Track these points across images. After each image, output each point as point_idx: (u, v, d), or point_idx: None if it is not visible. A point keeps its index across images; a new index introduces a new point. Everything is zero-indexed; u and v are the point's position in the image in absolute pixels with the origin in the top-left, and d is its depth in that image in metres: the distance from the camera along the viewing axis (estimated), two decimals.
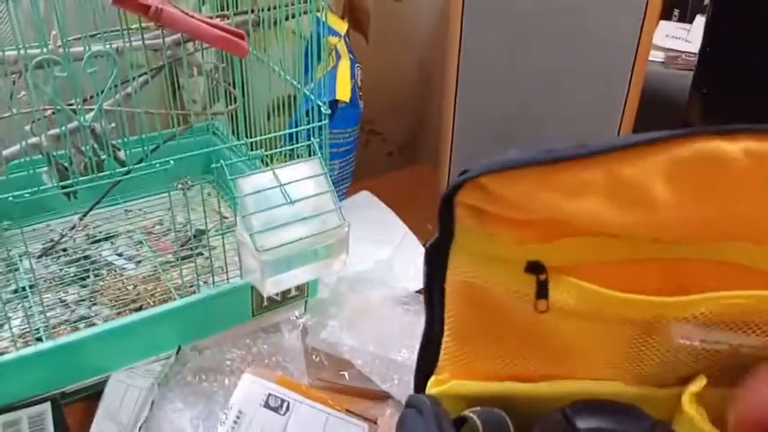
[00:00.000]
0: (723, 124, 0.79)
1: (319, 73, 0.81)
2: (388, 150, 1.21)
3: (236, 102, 0.73)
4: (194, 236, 0.82)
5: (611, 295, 0.42)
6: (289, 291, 0.71)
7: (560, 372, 0.45)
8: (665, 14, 1.19)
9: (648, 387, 0.45)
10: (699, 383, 0.44)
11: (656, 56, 0.99)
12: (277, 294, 0.70)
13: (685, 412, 0.43)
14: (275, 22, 0.69)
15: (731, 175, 0.37)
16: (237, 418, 0.56)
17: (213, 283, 0.68)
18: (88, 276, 0.77)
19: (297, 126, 0.69)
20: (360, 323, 0.71)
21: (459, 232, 0.42)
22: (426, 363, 0.46)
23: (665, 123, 0.84)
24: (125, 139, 0.64)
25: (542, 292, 0.42)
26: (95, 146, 0.63)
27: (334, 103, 0.79)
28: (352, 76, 0.81)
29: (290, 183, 0.61)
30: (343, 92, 0.76)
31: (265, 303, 0.70)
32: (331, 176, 0.88)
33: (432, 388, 0.45)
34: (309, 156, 0.66)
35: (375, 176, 1.08)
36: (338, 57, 0.81)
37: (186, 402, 0.62)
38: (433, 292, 0.45)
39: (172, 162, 0.59)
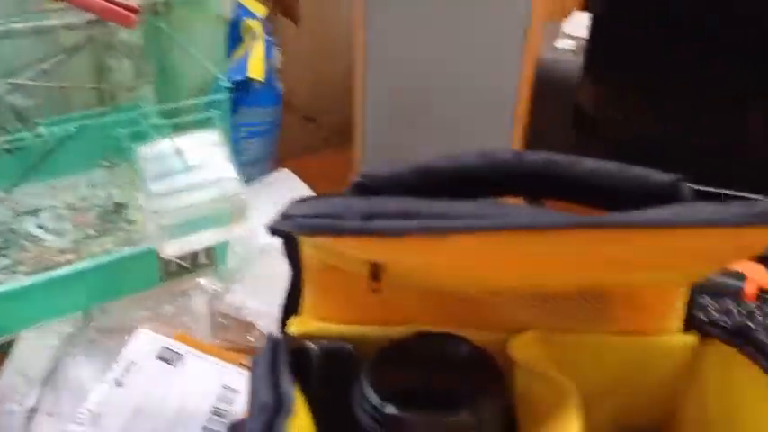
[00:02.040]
0: (610, 106, 0.84)
1: (238, 53, 0.85)
2: (323, 136, 1.25)
3: (151, 79, 0.77)
4: (114, 210, 0.85)
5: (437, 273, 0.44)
6: (197, 258, 0.75)
7: (402, 319, 0.49)
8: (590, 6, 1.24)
9: (485, 331, 0.49)
10: (529, 333, 0.49)
11: (568, 44, 1.04)
12: (185, 260, 0.74)
13: (512, 357, 0.48)
14: (188, 4, 0.74)
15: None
16: (128, 366, 0.59)
17: None
18: (10, 247, 0.80)
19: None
20: (264, 289, 0.75)
21: (302, 242, 0.45)
22: (289, 310, 0.50)
23: (565, 105, 0.90)
24: (49, 118, 0.68)
25: (375, 276, 0.45)
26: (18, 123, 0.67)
27: (247, 83, 0.83)
28: (269, 56, 0.85)
29: (189, 151, 0.65)
30: (256, 71, 0.80)
31: (174, 269, 0.74)
32: (250, 154, 0.93)
33: (291, 327, 0.49)
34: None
35: (309, 159, 1.13)
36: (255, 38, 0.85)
37: (89, 357, 0.66)
38: (292, 257, 0.48)
39: (74, 127, 0.63)
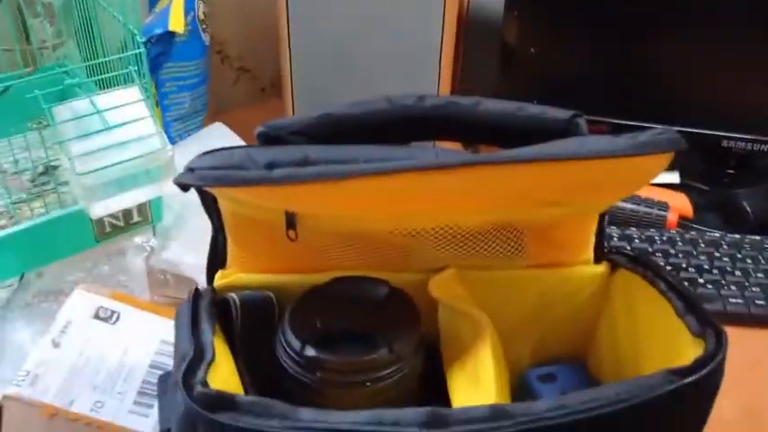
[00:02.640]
0: (533, 43, 0.84)
1: (160, 5, 0.84)
2: (260, 87, 1.24)
3: (73, 37, 0.75)
4: (46, 172, 0.85)
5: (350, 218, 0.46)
6: (131, 216, 0.75)
7: (325, 266, 0.50)
8: None
9: (406, 273, 0.51)
10: (447, 272, 0.51)
11: None
12: (118, 219, 0.74)
13: (433, 296, 0.50)
14: None
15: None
16: (64, 327, 0.60)
17: None
18: None
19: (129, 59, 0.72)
20: (202, 243, 0.75)
21: (219, 195, 0.46)
22: (215, 264, 0.51)
23: (492, 45, 0.91)
24: None
25: (291, 224, 0.46)
26: None
27: (170, 36, 0.82)
28: (191, 8, 0.84)
29: (108, 109, 0.64)
30: (176, 23, 0.79)
31: (108, 229, 0.74)
32: (182, 109, 0.92)
33: (218, 281, 0.51)
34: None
35: (246, 111, 1.12)
36: None
37: (26, 322, 0.66)
38: (210, 211, 0.49)
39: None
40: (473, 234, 0.49)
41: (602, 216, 0.52)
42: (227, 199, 0.46)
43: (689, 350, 0.41)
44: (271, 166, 0.38)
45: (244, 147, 0.42)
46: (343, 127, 0.45)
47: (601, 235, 0.53)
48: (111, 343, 0.61)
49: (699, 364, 0.38)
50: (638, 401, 0.36)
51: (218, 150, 0.42)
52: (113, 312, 0.63)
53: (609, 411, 0.36)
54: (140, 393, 0.57)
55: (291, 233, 0.46)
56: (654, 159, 0.40)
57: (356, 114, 0.45)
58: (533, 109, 0.45)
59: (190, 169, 0.41)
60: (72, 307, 0.62)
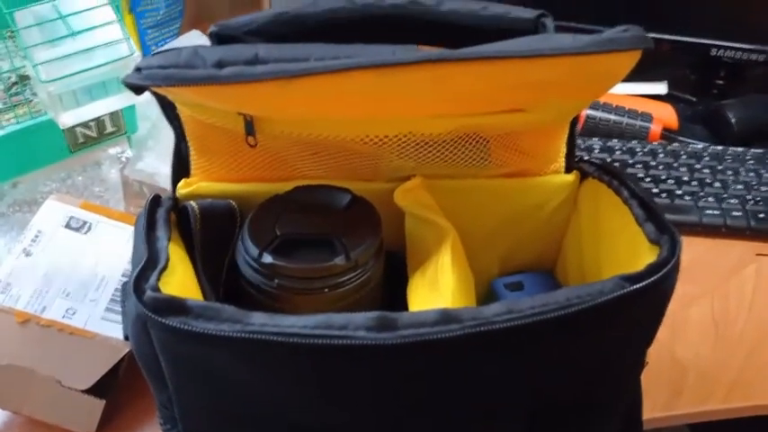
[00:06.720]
0: None
1: None
2: None
3: None
4: (16, 82, 0.83)
5: (315, 120, 0.45)
6: (105, 126, 0.74)
7: (289, 175, 0.50)
8: None
9: (373, 183, 0.51)
10: (413, 181, 0.50)
11: None
12: (90, 129, 0.73)
13: (398, 205, 0.49)
14: None
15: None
16: (36, 237, 0.60)
17: None
18: None
19: None
20: None
21: (171, 96, 0.44)
22: (179, 173, 0.51)
23: None
24: None
25: (249, 129, 0.45)
26: None
27: None
28: None
29: (73, 14, 0.62)
30: None
31: (81, 140, 0.73)
32: (157, 16, 0.89)
33: (180, 190, 0.50)
34: None
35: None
36: None
37: (1, 232, 0.66)
38: (171, 118, 0.47)
39: None
40: (438, 142, 0.48)
41: (572, 124, 0.51)
42: (184, 104, 0.45)
43: (646, 257, 0.41)
44: (220, 64, 0.37)
45: (193, 46, 0.41)
46: (301, 26, 0.43)
47: (571, 143, 0.52)
48: (83, 252, 0.61)
49: (650, 271, 0.38)
50: (587, 306, 0.36)
51: (168, 50, 0.41)
52: (85, 222, 0.63)
53: (558, 316, 0.36)
54: (113, 301, 0.58)
55: (251, 139, 0.45)
56: (619, 58, 0.38)
57: (314, 13, 0.43)
58: (498, 8, 0.43)
59: (138, 69, 0.40)
60: (43, 217, 0.62)
